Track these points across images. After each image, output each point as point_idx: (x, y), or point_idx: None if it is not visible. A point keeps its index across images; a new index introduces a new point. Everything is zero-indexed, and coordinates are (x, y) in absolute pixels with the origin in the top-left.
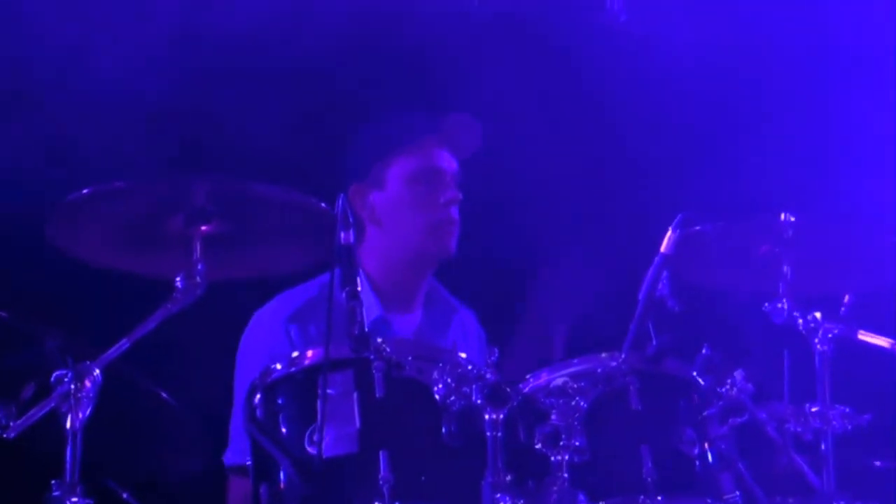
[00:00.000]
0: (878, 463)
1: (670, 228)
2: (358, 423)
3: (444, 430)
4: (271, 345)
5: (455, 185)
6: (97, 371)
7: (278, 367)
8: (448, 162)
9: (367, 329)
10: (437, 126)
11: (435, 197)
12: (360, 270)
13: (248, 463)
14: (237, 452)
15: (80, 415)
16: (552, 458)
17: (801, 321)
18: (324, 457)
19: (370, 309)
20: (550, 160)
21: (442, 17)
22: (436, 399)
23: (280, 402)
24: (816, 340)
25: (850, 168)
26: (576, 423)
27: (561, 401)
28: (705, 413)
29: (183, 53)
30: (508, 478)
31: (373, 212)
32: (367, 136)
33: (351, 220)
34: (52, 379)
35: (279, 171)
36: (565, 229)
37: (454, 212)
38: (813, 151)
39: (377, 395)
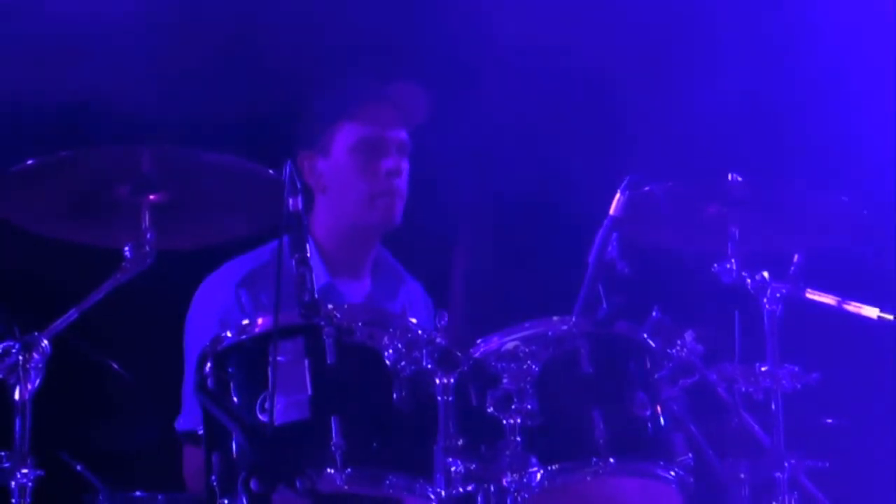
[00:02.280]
0: (828, 420)
1: (619, 190)
2: (309, 390)
3: (395, 395)
4: (221, 310)
5: (400, 155)
6: (45, 342)
7: (228, 334)
8: (394, 131)
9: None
10: (384, 94)
11: (377, 166)
12: (309, 237)
13: (200, 431)
14: (189, 419)
15: (29, 386)
16: (504, 422)
17: (749, 281)
18: (275, 424)
19: (318, 276)
20: (498, 126)
21: None
22: (386, 364)
23: (230, 370)
24: (765, 300)
25: (798, 127)
26: (527, 386)
27: (512, 364)
28: (656, 375)
29: (132, 21)
30: (460, 442)
31: (319, 179)
32: (315, 102)
33: (299, 186)
34: (0, 350)
35: (227, 139)
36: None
37: (399, 182)
38: (760, 111)
39: (328, 362)
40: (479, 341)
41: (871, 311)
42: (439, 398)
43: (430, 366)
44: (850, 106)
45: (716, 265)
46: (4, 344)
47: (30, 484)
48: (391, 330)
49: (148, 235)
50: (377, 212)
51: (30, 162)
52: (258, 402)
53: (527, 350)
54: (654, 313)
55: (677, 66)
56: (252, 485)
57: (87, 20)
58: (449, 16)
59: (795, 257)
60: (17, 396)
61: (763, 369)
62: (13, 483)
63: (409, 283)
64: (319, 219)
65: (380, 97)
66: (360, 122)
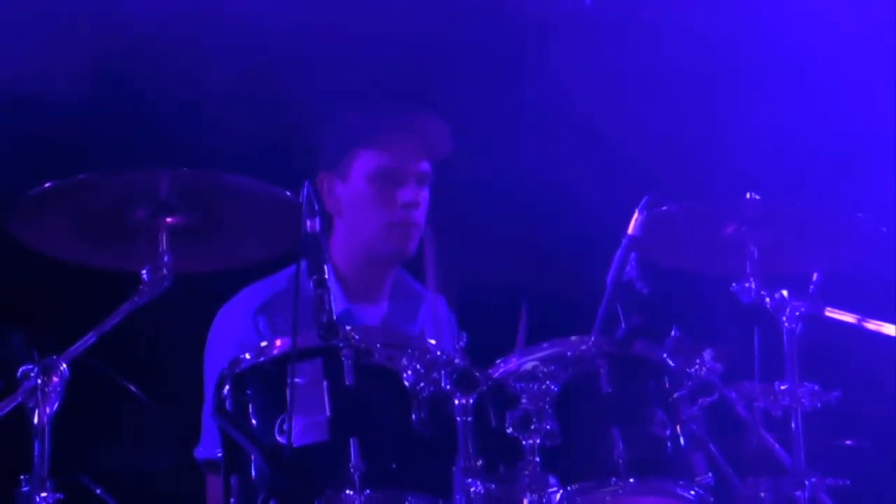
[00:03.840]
0: (848, 442)
1: (637, 210)
2: (328, 412)
3: (414, 416)
4: (240, 336)
5: (419, 186)
6: (64, 365)
7: (247, 356)
8: (414, 162)
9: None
10: (406, 123)
11: (394, 197)
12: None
13: (219, 454)
14: (209, 447)
15: (48, 409)
16: (523, 443)
17: (768, 300)
18: (294, 446)
19: (336, 301)
20: (517, 148)
21: (420, 9)
22: (405, 385)
23: (249, 392)
24: (784, 319)
25: (816, 148)
26: (546, 406)
27: (531, 385)
28: (675, 394)
29: (149, 44)
30: (480, 463)
31: (337, 203)
32: (338, 125)
33: (317, 208)
34: (19, 374)
35: (244, 161)
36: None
37: (415, 214)
38: (777, 132)
39: (346, 383)
40: (498, 361)
41: (892, 329)
42: (458, 419)
43: (448, 386)
44: (862, 123)
45: (734, 284)
46: (23, 367)
47: None
48: (409, 351)
49: (165, 258)
50: (391, 242)
51: (48, 185)
52: (277, 423)
53: (546, 370)
54: (673, 332)
55: (697, 88)
56: None
57: (105, 44)
58: (472, 47)
59: (815, 276)
60: (36, 420)
61: (783, 388)
62: None
63: (431, 301)
64: (337, 242)
65: (401, 127)
66: (380, 150)
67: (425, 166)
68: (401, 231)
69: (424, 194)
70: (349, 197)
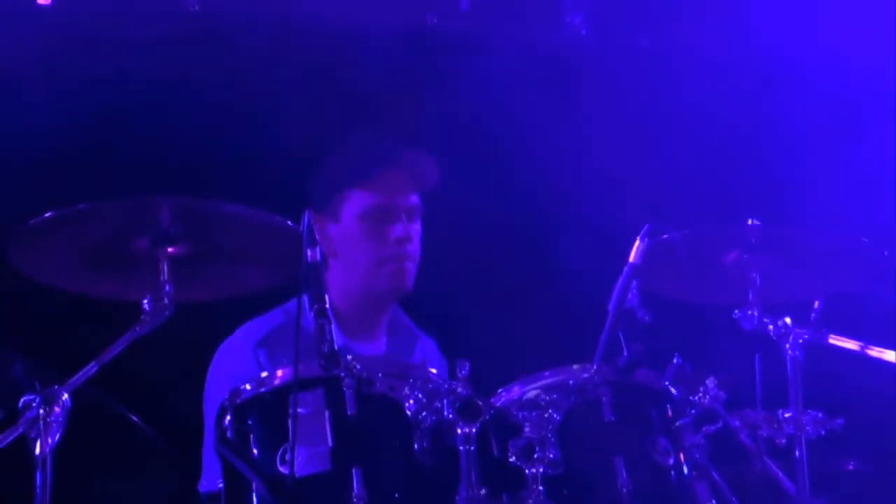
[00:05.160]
0: (850, 467)
1: (638, 238)
2: (330, 442)
3: (416, 445)
4: (240, 371)
5: (410, 220)
6: (66, 395)
7: (247, 387)
8: (403, 197)
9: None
10: (392, 160)
11: (386, 233)
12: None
13: (220, 486)
14: (211, 480)
15: (50, 440)
16: (526, 471)
17: (771, 327)
18: (296, 476)
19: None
20: (516, 174)
21: (398, 41)
22: (407, 415)
23: (250, 422)
24: (787, 346)
25: (813, 174)
26: (549, 435)
27: (534, 413)
28: (678, 422)
29: (147, 72)
30: (483, 492)
31: (330, 243)
32: (325, 169)
33: (317, 237)
34: (20, 404)
35: (241, 192)
36: (529, 243)
37: (410, 248)
38: (777, 159)
39: (349, 413)
40: (500, 390)
41: (894, 356)
42: (461, 448)
43: (451, 416)
44: (866, 142)
45: (737, 311)
46: (25, 398)
47: None
48: (411, 380)
49: (167, 288)
50: (386, 277)
51: (48, 214)
52: (279, 454)
53: (548, 398)
54: (675, 360)
55: (696, 114)
56: None
57: (105, 75)
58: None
59: (816, 303)
60: (37, 450)
61: (786, 415)
62: None
63: (424, 340)
64: (333, 281)
65: (388, 164)
66: (369, 190)
67: (415, 199)
68: (395, 266)
69: (416, 227)
70: (342, 237)
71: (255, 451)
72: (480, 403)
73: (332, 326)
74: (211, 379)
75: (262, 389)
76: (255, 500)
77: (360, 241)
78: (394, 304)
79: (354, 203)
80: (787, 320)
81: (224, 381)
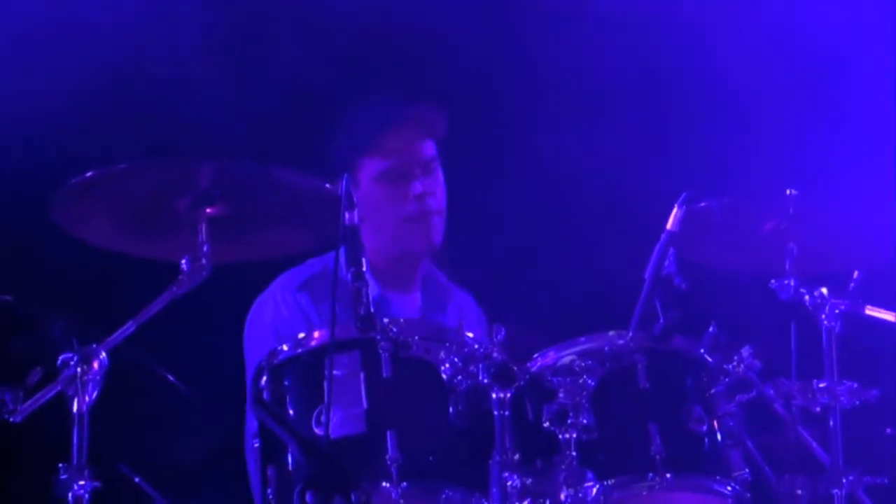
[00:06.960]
0: (889, 431)
1: (676, 205)
2: (365, 404)
3: (451, 409)
4: (281, 315)
5: (427, 175)
6: (103, 354)
7: (284, 348)
8: (414, 152)
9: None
10: (396, 118)
11: (405, 192)
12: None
13: (256, 444)
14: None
15: (87, 398)
16: (560, 437)
17: (807, 297)
18: (331, 437)
19: (370, 287)
20: (555, 141)
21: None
22: (443, 379)
23: (287, 383)
24: (823, 316)
25: (855, 144)
26: (583, 401)
27: (568, 379)
28: (713, 390)
29: (187, 37)
30: (516, 457)
31: (358, 209)
32: (338, 139)
33: (355, 200)
34: (59, 362)
35: (281, 153)
36: (567, 211)
37: (432, 201)
38: (817, 127)
39: (384, 376)
40: (535, 355)
41: None
42: (495, 413)
43: (486, 380)
44: None
45: (773, 281)
46: (63, 356)
47: (87, 496)
48: (447, 344)
49: (205, 248)
50: (413, 236)
51: (89, 174)
52: (314, 415)
53: (583, 364)
54: (711, 328)
55: (736, 83)
56: (308, 498)
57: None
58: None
59: (856, 273)
60: (75, 408)
61: (821, 385)
62: (70, 495)
63: (459, 296)
64: (367, 244)
65: (390, 125)
66: (379, 154)
67: (428, 151)
68: (420, 224)
69: (435, 179)
70: (364, 202)
71: (290, 411)
72: (515, 369)
73: (369, 286)
74: (250, 330)
75: (299, 350)
76: (290, 460)
77: (382, 203)
78: (427, 261)
79: (369, 169)
80: (824, 290)
81: (267, 328)
